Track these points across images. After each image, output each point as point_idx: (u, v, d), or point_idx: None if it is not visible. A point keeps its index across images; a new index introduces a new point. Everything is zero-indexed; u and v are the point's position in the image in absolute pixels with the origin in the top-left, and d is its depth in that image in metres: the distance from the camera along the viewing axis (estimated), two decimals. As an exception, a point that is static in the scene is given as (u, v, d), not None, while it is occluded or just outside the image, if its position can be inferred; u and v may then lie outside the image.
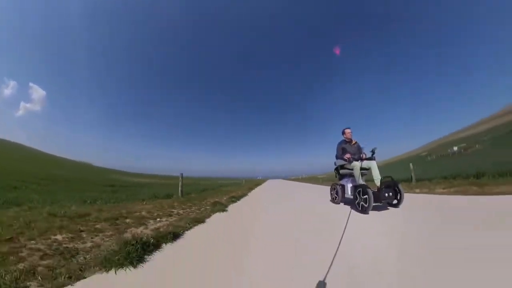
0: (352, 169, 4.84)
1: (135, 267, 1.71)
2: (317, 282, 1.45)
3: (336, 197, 5.46)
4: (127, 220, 3.40)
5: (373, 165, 4.65)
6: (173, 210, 4.67)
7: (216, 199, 6.84)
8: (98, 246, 2.18)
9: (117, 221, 3.27)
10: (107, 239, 2.45)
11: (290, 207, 5.60)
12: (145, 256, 1.92)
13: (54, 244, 2.21)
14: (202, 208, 4.96)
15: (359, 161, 4.80)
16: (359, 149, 5.30)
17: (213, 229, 3.23)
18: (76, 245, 2.18)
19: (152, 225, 3.20)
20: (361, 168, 4.72)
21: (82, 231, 2.70)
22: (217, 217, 4.17)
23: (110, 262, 1.67)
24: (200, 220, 3.56)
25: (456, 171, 10.06)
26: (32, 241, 2.23)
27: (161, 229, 2.79)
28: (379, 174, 4.53)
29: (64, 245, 2.17)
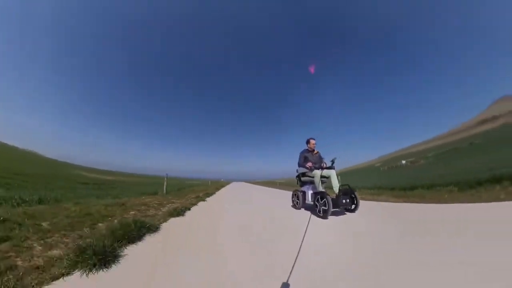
0: (313, 177, 5.23)
1: (183, 216, 4.39)
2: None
3: (297, 203, 5.80)
4: (153, 204, 5.78)
5: (332, 174, 5.03)
6: (172, 200, 7.12)
7: (196, 195, 9.40)
8: (157, 214, 4.60)
9: (149, 206, 5.61)
10: (156, 211, 4.88)
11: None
12: (183, 213, 4.64)
13: (136, 214, 4.47)
14: (190, 200, 7.49)
15: (320, 169, 5.20)
16: (320, 159, 5.73)
17: (203, 208, 6.04)
18: (147, 214, 4.53)
19: (169, 207, 5.62)
20: (321, 176, 5.10)
21: (139, 210, 4.98)
22: (202, 203, 6.99)
23: (172, 215, 4.30)
24: (194, 204, 6.38)
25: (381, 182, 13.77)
26: (125, 216, 4.32)
27: (178, 207, 5.26)
28: (337, 182, 4.96)
29: (142, 214, 4.50)
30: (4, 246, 2.29)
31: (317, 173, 5.05)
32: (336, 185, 4.89)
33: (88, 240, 2.33)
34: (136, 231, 2.79)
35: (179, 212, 4.58)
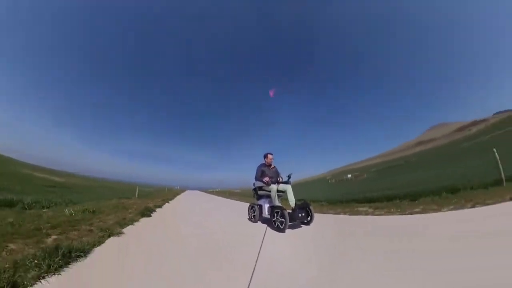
0: (269, 191, 5.39)
1: (162, 208, 9.61)
2: None
3: (254, 216, 5.88)
4: (139, 203, 10.23)
5: (288, 188, 5.27)
6: (148, 202, 11.68)
7: (161, 199, 14.22)
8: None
9: (138, 204, 10.14)
10: (147, 206, 9.42)
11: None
12: (161, 206, 9.89)
13: (140, 206, 9.04)
14: (159, 202, 12.14)
15: (276, 184, 5.38)
16: (277, 173, 5.87)
17: (170, 206, 11.26)
18: (142, 207, 9.05)
19: (152, 204, 10.13)
20: (278, 191, 5.28)
21: (136, 205, 9.44)
22: (167, 204, 12.04)
23: (156, 207, 9.42)
24: (164, 203, 11.49)
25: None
26: (135, 207, 8.98)
27: (157, 204, 9.99)
28: (293, 197, 5.17)
29: (142, 206, 9.04)
30: (107, 214, 6.69)
31: (274, 187, 5.27)
32: (292, 199, 5.14)
33: (138, 210, 7.05)
34: (150, 210, 7.79)
35: (159, 206, 9.66)
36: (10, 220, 4.31)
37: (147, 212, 7.25)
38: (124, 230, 4.57)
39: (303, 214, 4.91)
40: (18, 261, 2.32)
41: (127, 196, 15.09)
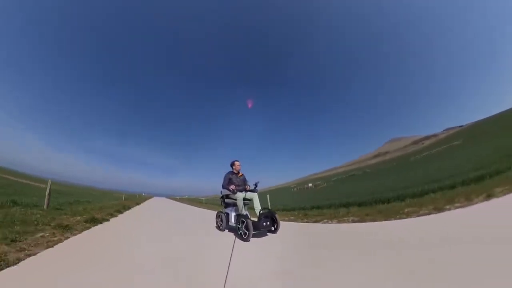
0: (236, 199, 5.44)
1: (144, 203, 21.06)
2: None
3: (221, 224, 5.92)
4: (132, 202, 19.32)
5: (255, 196, 5.45)
6: (136, 201, 21.10)
7: (139, 200, 24.14)
8: (139, 202, 18.56)
9: (131, 202, 19.20)
10: (138, 202, 18.78)
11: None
12: (142, 202, 20.82)
13: (133, 203, 18.64)
14: (140, 201, 22.25)
15: (243, 192, 5.45)
16: (244, 181, 5.90)
17: (147, 204, 22.28)
18: (135, 203, 18.31)
19: (138, 202, 19.31)
20: (244, 199, 5.35)
21: (130, 202, 18.95)
22: (145, 203, 23.22)
23: (143, 202, 18.77)
24: (143, 201, 22.17)
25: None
26: (129, 203, 18.63)
27: (141, 202, 19.43)
28: (259, 205, 5.35)
29: (134, 203, 18.82)
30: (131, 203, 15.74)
31: (240, 195, 5.32)
32: (258, 208, 5.31)
33: (133, 203, 16.47)
34: (139, 204, 17.55)
35: (141, 202, 19.45)
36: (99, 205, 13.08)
37: (139, 203, 17.44)
38: (135, 206, 15.65)
39: (268, 222, 4.98)
40: (111, 210, 11.71)
41: (115, 198, 23.30)
